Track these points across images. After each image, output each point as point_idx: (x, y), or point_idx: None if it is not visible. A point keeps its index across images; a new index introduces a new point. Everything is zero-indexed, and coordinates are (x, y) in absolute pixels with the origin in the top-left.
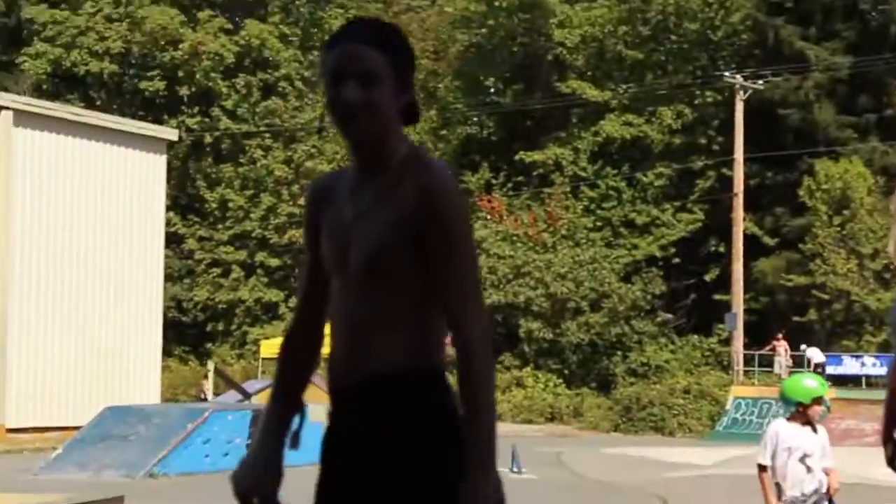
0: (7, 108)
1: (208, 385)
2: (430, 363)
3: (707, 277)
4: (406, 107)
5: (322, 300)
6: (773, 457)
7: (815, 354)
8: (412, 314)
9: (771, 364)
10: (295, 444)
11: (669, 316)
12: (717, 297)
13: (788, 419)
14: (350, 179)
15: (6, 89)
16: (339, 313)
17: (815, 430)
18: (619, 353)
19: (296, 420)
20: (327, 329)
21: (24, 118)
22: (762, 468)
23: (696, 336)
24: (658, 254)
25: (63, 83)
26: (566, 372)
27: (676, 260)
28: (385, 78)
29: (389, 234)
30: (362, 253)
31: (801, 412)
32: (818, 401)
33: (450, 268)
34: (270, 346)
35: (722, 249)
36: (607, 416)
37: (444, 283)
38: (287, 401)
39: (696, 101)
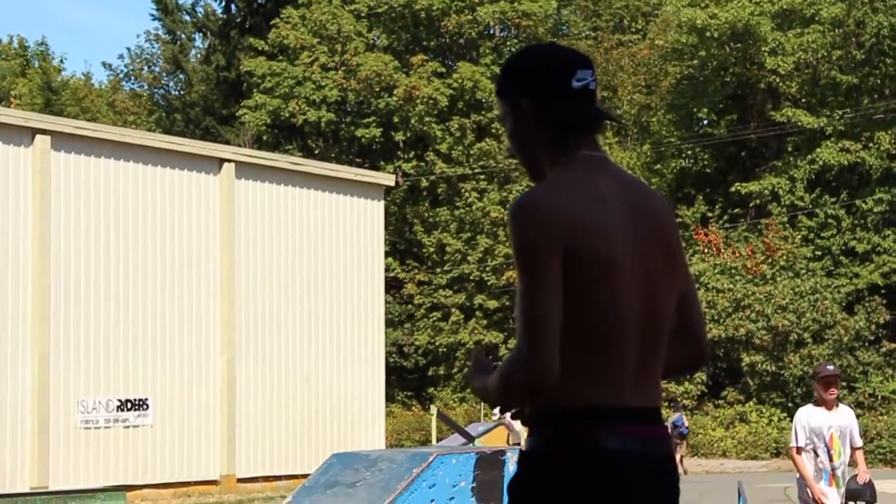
0: (229, 160)
1: None
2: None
3: None
4: None
5: None
6: None
7: None
8: None
9: None
10: None
11: (895, 345)
12: None
13: None
14: None
15: (228, 142)
16: None
17: None
18: (845, 384)
19: None
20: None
21: (245, 170)
22: None
23: None
24: (880, 282)
25: (282, 133)
26: (790, 405)
27: None
28: None
29: None
30: None
31: None
32: None
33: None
34: None
35: None
36: None
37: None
38: None
39: None
